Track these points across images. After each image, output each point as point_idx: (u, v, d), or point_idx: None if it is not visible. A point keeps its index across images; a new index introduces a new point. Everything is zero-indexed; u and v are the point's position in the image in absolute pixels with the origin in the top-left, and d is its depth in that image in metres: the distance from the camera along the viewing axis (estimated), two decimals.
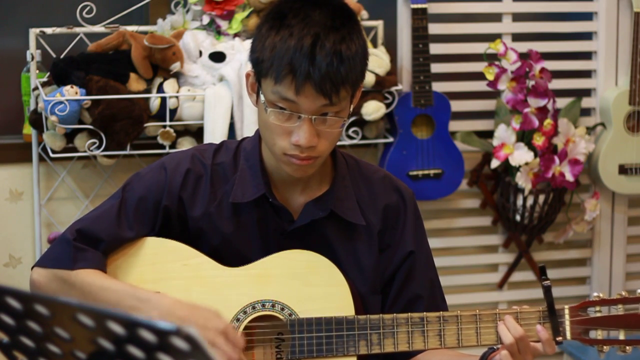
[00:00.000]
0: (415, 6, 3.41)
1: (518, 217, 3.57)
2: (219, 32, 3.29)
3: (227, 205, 1.96)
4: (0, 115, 3.40)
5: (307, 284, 1.92)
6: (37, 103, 3.15)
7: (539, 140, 3.45)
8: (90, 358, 1.22)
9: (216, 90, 3.17)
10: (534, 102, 3.43)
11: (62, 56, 3.17)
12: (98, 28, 3.22)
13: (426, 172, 3.49)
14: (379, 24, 3.46)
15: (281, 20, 1.81)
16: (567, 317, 1.90)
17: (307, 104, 1.80)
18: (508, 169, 3.53)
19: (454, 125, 3.56)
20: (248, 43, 3.21)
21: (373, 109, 3.33)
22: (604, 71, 3.70)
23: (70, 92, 3.04)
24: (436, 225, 3.64)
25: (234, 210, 1.96)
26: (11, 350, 1.32)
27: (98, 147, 3.11)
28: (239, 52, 3.22)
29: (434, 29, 3.50)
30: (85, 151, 3.12)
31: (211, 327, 1.78)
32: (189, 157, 1.99)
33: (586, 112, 3.73)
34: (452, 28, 3.61)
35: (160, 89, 3.16)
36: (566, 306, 1.90)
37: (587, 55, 3.74)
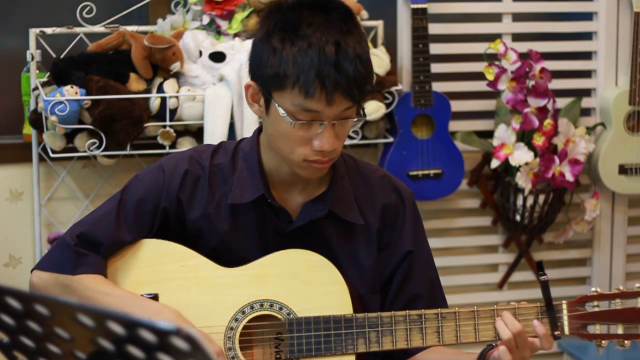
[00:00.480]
0: (415, 6, 3.41)
1: (518, 217, 3.57)
2: (219, 32, 3.29)
3: (225, 206, 1.96)
4: (0, 115, 3.40)
5: (305, 283, 1.92)
6: (37, 103, 3.15)
7: (539, 140, 3.45)
8: (90, 358, 1.22)
9: (216, 90, 3.17)
10: (534, 102, 3.43)
11: (62, 56, 3.18)
12: (98, 28, 3.22)
13: (426, 172, 3.49)
14: (379, 24, 3.46)
15: (294, 31, 1.79)
16: (565, 312, 1.90)
17: (332, 111, 1.80)
18: (508, 169, 3.53)
19: (454, 125, 3.56)
20: (248, 43, 3.25)
21: (373, 109, 3.33)
22: (604, 71, 3.70)
23: (70, 92, 3.04)
24: (436, 225, 3.64)
25: (233, 211, 1.96)
26: (11, 350, 1.32)
27: (98, 147, 3.11)
28: (239, 52, 3.22)
29: (434, 29, 3.50)
30: (85, 151, 3.12)
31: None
32: (187, 158, 1.99)
33: (586, 112, 3.73)
34: (452, 28, 3.61)
35: (160, 89, 3.16)
36: (564, 301, 1.91)
37: (587, 55, 3.74)
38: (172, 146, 3.21)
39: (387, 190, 2.03)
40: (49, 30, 3.18)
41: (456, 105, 3.55)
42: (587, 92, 3.73)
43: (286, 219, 1.96)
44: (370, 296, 1.99)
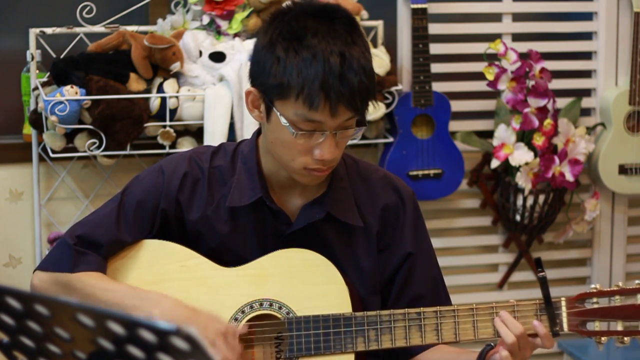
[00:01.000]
0: (415, 6, 3.41)
1: (518, 217, 3.57)
2: (219, 32, 3.29)
3: (224, 209, 1.96)
4: (0, 115, 3.40)
5: (304, 282, 1.92)
6: (37, 103, 3.15)
7: (539, 140, 3.45)
8: (90, 358, 1.22)
9: (216, 90, 3.17)
10: (534, 102, 3.43)
11: (62, 56, 3.17)
12: (98, 28, 3.22)
13: (426, 172, 3.49)
14: (379, 24, 3.46)
15: (299, 41, 1.78)
16: (564, 309, 1.90)
17: (335, 122, 1.80)
18: (508, 169, 3.53)
19: (454, 125, 3.56)
20: (248, 43, 3.26)
21: (373, 109, 3.32)
22: (604, 71, 3.70)
23: (70, 92, 3.04)
24: (436, 225, 3.64)
25: (231, 213, 1.96)
26: (11, 350, 1.32)
27: (98, 147, 3.11)
28: (239, 52, 3.22)
29: (434, 29, 3.50)
30: (85, 151, 3.12)
31: (212, 329, 1.80)
32: (186, 160, 1.99)
33: (586, 112, 3.73)
34: (452, 28, 3.61)
35: (160, 89, 3.16)
36: (563, 298, 1.90)
37: (587, 55, 3.74)
38: (172, 146, 3.21)
39: (388, 191, 2.02)
40: (49, 30, 3.18)
41: (456, 105, 3.55)
42: (587, 92, 3.73)
43: (285, 221, 1.96)
44: (370, 297, 1.99)
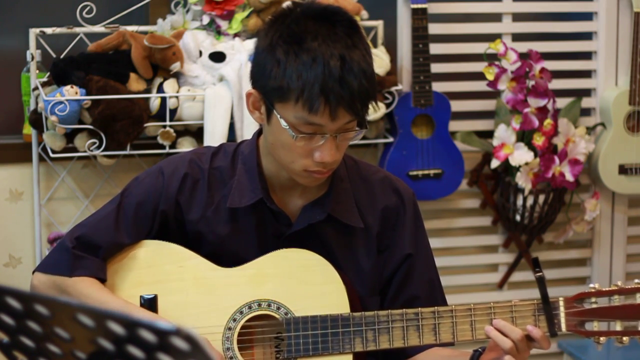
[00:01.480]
0: (415, 6, 3.41)
1: (518, 217, 3.57)
2: (219, 32, 3.29)
3: (224, 210, 1.96)
4: (0, 115, 3.40)
5: (302, 282, 1.92)
6: (37, 103, 3.15)
7: (539, 140, 3.45)
8: (90, 358, 1.22)
9: (216, 90, 3.17)
10: (534, 102, 3.43)
11: (62, 56, 3.17)
12: (98, 28, 3.22)
13: (426, 172, 3.49)
14: (379, 24, 3.46)
15: (299, 44, 1.78)
16: (562, 309, 1.89)
17: (335, 125, 1.80)
18: (508, 169, 3.53)
19: (454, 125, 3.56)
20: (248, 43, 3.26)
21: (373, 111, 3.32)
22: (604, 71, 3.70)
23: (70, 92, 3.04)
24: (436, 225, 3.64)
25: (232, 214, 1.96)
26: (11, 350, 1.32)
27: (98, 147, 3.11)
28: (239, 52, 3.22)
29: (434, 29, 3.50)
30: (85, 151, 3.12)
31: None
32: (186, 161, 1.99)
33: (586, 112, 3.73)
34: (452, 28, 3.61)
35: (160, 89, 3.16)
36: (561, 298, 1.89)
37: (587, 55, 3.74)
38: (172, 146, 3.21)
39: (388, 192, 2.02)
40: (49, 30, 3.18)
41: (456, 105, 3.55)
42: (587, 92, 3.73)
43: (285, 222, 1.96)
44: (369, 298, 1.99)
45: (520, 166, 3.47)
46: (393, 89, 3.40)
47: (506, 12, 3.65)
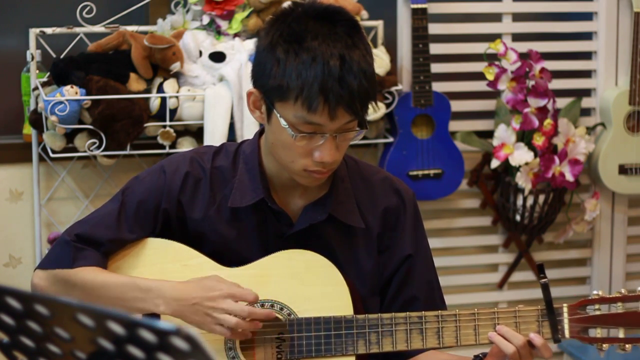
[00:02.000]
0: (415, 6, 3.41)
1: (518, 217, 3.57)
2: (219, 32, 3.29)
3: (226, 209, 1.96)
4: (0, 115, 3.40)
5: (305, 283, 1.92)
6: (37, 103, 3.15)
7: (539, 140, 3.45)
8: (90, 358, 1.22)
9: (216, 90, 3.17)
10: (534, 102, 3.43)
11: (62, 56, 3.17)
12: (98, 28, 3.22)
13: (426, 172, 3.49)
14: (379, 24, 3.46)
15: (299, 43, 1.78)
16: (565, 315, 1.89)
17: (335, 125, 1.80)
18: (508, 169, 3.53)
19: (454, 125, 3.56)
20: (248, 43, 3.25)
21: (373, 111, 3.32)
22: (604, 71, 3.70)
23: (70, 92, 3.04)
24: (436, 225, 3.64)
25: (233, 214, 1.96)
26: (11, 350, 1.32)
27: (98, 147, 3.11)
28: (239, 52, 3.22)
29: (434, 29, 3.50)
30: (85, 151, 3.12)
31: (216, 295, 1.82)
32: (188, 160, 1.99)
33: (586, 112, 3.73)
34: (452, 28, 3.61)
35: (160, 89, 3.16)
36: (565, 304, 1.90)
37: (587, 55, 3.74)
38: (172, 146, 3.21)
39: (389, 193, 2.02)
40: (49, 30, 3.18)
41: (456, 105, 3.55)
42: (587, 92, 3.73)
43: (287, 222, 1.96)
44: (370, 298, 1.99)
45: (520, 166, 3.47)
46: (393, 89, 3.39)
47: (506, 12, 3.65)
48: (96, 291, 1.89)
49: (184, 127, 3.24)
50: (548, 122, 3.44)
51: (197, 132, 3.25)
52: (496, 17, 3.66)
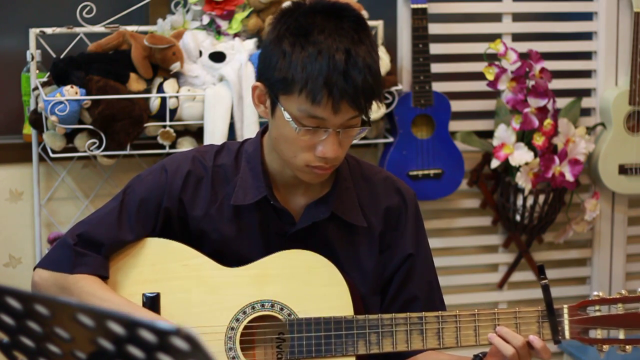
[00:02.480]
0: (415, 6, 3.41)
1: (518, 217, 3.57)
2: (219, 32, 3.29)
3: (228, 208, 1.96)
4: (0, 115, 3.40)
5: (306, 283, 1.92)
6: (37, 103, 3.15)
7: (539, 140, 3.45)
8: (90, 358, 1.22)
9: (216, 90, 3.17)
10: (534, 102, 3.43)
11: (62, 56, 3.17)
12: (98, 28, 3.22)
13: (426, 172, 3.49)
14: (379, 24, 3.46)
15: (305, 37, 1.79)
16: (566, 316, 1.90)
17: (339, 119, 1.80)
18: (508, 169, 3.53)
19: (454, 125, 3.56)
20: (248, 43, 3.26)
21: (373, 109, 3.32)
22: (604, 71, 3.70)
23: (70, 92, 3.04)
24: (436, 225, 3.64)
25: (235, 212, 1.96)
26: (11, 350, 1.32)
27: (98, 147, 3.11)
28: (239, 52, 3.22)
29: (434, 29, 3.50)
30: (85, 151, 3.12)
31: None
32: (189, 159, 1.99)
33: (586, 112, 3.73)
34: (452, 28, 3.61)
35: (160, 89, 3.16)
36: (565, 305, 1.90)
37: (587, 55, 3.74)
38: (172, 146, 3.21)
39: (390, 193, 2.02)
40: (49, 30, 3.18)
41: (456, 105, 3.55)
42: (587, 92, 3.73)
43: (289, 220, 1.96)
44: (371, 297, 1.99)
45: (520, 166, 3.47)
46: (393, 89, 3.40)
47: (506, 12, 3.65)
48: (92, 303, 1.88)
49: (184, 127, 3.24)
50: (548, 122, 3.44)
51: (197, 132, 3.25)
52: (496, 17, 3.66)
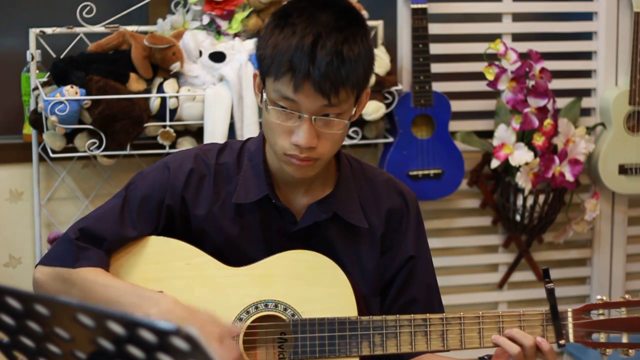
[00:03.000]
0: (415, 6, 3.41)
1: (518, 217, 3.57)
2: (219, 32, 3.29)
3: (230, 206, 1.96)
4: (0, 115, 3.40)
5: (310, 284, 1.92)
6: (37, 103, 3.15)
7: (539, 140, 3.45)
8: (90, 358, 1.22)
9: (216, 90, 3.17)
10: (534, 102, 3.43)
11: (62, 56, 3.17)
12: (98, 28, 3.22)
13: (426, 172, 3.49)
14: (379, 24, 3.46)
15: (286, 18, 1.81)
16: (570, 320, 1.90)
17: (306, 104, 1.79)
18: (508, 169, 3.53)
19: (454, 125, 3.56)
20: (248, 43, 3.26)
21: (373, 109, 3.33)
22: (604, 71, 3.70)
23: (70, 92, 3.04)
24: (436, 225, 3.64)
25: (237, 210, 1.96)
26: (11, 350, 1.32)
27: (98, 147, 3.11)
28: (239, 52, 3.22)
29: (434, 29, 3.50)
30: (85, 151, 3.12)
31: (207, 332, 1.78)
32: (192, 156, 1.99)
33: (586, 112, 3.73)
34: (452, 28, 3.61)
35: (160, 89, 3.16)
36: (569, 309, 1.90)
37: (587, 55, 3.74)
38: (172, 146, 3.21)
39: (392, 195, 2.02)
40: (49, 30, 3.18)
41: (456, 105, 3.55)
42: (587, 92, 3.73)
43: (291, 219, 1.96)
44: (371, 298, 1.99)
45: (520, 166, 3.47)
46: (393, 89, 3.40)
47: (506, 12, 3.65)
48: (95, 291, 1.88)
49: (184, 127, 3.24)
50: (548, 122, 3.44)
51: (197, 132, 3.25)
52: (496, 17, 3.66)
